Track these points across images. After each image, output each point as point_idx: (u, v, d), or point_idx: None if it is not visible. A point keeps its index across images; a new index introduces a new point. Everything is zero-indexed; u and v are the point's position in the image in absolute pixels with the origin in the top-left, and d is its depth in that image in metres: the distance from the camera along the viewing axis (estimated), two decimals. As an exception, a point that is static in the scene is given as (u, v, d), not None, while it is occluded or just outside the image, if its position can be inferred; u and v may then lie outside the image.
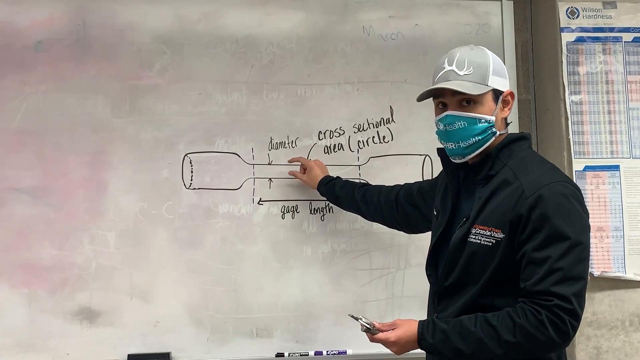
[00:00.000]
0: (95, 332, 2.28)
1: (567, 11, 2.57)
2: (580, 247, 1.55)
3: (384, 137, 2.46)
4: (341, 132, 2.44)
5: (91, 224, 2.30)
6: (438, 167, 2.42)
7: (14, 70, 2.30)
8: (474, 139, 1.68)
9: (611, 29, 2.57)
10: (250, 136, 2.39)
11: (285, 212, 2.40)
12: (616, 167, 2.53)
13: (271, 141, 2.41)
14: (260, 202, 2.39)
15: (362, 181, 2.41)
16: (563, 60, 2.55)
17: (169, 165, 2.35)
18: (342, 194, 2.25)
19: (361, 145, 2.45)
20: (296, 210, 2.41)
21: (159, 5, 2.38)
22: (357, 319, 1.74)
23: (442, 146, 1.78)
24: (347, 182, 2.28)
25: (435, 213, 1.87)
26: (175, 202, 2.34)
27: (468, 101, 1.67)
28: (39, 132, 2.30)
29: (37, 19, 2.32)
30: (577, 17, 2.57)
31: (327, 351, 2.37)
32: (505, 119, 1.75)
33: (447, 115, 1.70)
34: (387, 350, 1.74)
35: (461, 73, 1.67)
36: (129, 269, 2.30)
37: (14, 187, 2.28)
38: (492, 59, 1.71)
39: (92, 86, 2.32)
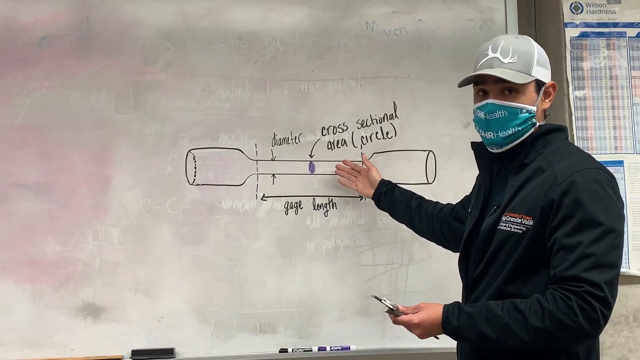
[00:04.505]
0: (100, 327, 2.29)
1: (571, 6, 2.57)
2: (613, 234, 1.51)
3: (387, 132, 2.45)
4: (344, 128, 2.44)
5: (95, 220, 2.30)
6: (441, 164, 2.45)
7: (18, 66, 2.30)
8: (513, 129, 1.66)
9: (615, 24, 2.56)
10: (253, 132, 2.39)
11: (288, 207, 2.40)
12: (620, 163, 2.53)
13: (274, 137, 2.41)
14: (264, 198, 2.39)
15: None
16: (567, 55, 2.54)
17: (173, 161, 2.35)
18: (400, 199, 2.21)
19: (364, 141, 2.44)
20: (299, 206, 2.41)
21: (162, 1, 2.37)
22: (380, 300, 1.73)
23: (477, 139, 1.77)
24: (405, 190, 2.26)
25: (469, 211, 1.86)
26: (179, 198, 2.34)
27: (510, 90, 1.65)
28: (42, 128, 2.30)
29: (40, 15, 2.32)
30: (581, 12, 2.56)
31: (331, 347, 2.37)
32: (545, 110, 1.73)
33: (488, 103, 1.67)
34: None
35: (505, 61, 1.65)
36: (133, 265, 2.31)
37: (18, 183, 2.28)
38: (537, 49, 1.69)
39: (96, 82, 2.32)
